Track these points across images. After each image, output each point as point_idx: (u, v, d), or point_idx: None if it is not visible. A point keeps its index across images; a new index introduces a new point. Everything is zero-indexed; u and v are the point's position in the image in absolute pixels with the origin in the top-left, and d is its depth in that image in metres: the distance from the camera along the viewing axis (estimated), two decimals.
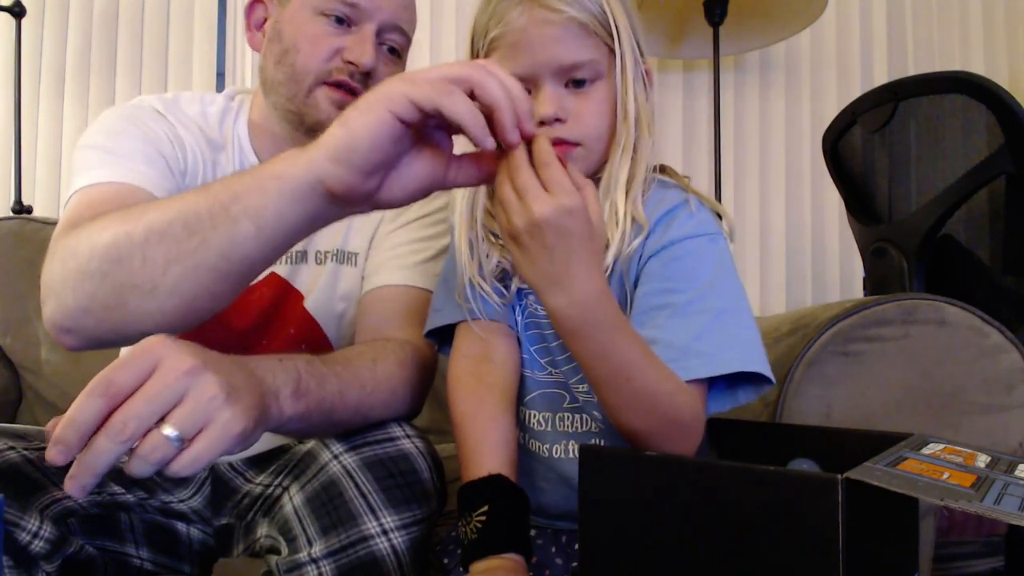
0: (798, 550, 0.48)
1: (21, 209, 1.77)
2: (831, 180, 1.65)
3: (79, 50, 2.01)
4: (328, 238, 0.96)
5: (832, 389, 0.93)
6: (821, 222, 2.15)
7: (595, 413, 0.78)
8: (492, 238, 0.77)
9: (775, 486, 0.50)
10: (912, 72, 2.12)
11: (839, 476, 0.47)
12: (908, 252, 1.37)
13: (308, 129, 0.89)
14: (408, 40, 0.94)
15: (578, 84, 0.72)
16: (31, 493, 0.75)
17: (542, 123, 0.70)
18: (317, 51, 0.87)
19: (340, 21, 0.87)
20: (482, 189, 0.77)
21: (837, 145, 1.59)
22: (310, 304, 0.96)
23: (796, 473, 0.51)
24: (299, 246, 0.95)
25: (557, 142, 0.69)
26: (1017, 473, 0.55)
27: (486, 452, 0.74)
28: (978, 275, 1.37)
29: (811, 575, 0.48)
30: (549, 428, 0.79)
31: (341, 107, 0.85)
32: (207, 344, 0.91)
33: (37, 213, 1.82)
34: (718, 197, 1.89)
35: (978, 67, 2.18)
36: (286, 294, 0.95)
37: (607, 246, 0.71)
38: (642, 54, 0.76)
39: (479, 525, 0.69)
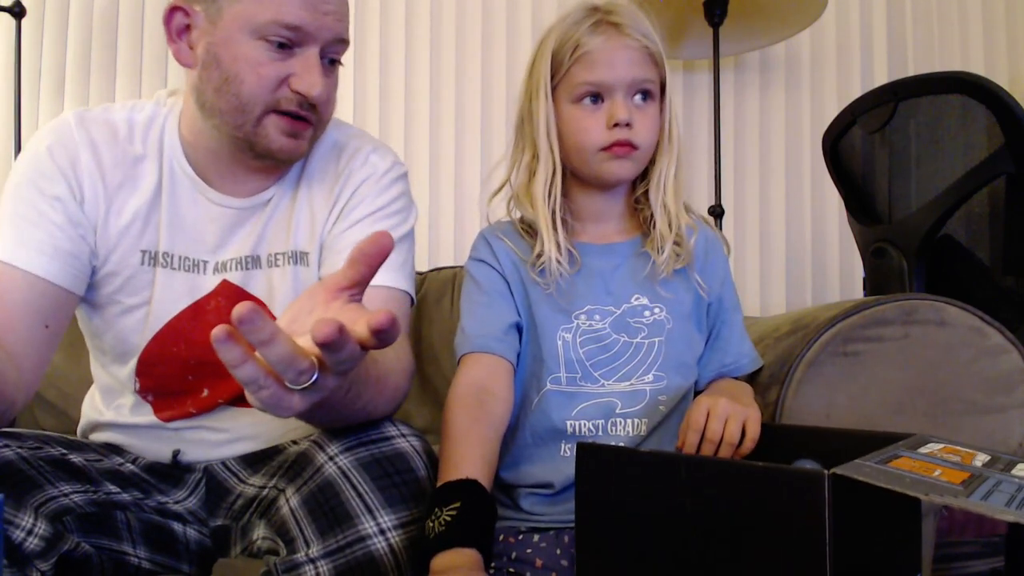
0: (788, 545, 0.49)
1: None
2: (831, 180, 1.65)
3: (79, 50, 2.00)
4: (279, 238, 0.93)
5: (832, 389, 0.92)
6: (821, 222, 2.15)
7: (643, 419, 0.88)
8: (564, 220, 0.92)
9: (765, 482, 0.50)
10: (912, 72, 2.12)
11: (826, 472, 0.47)
12: (908, 252, 1.37)
13: (258, 155, 0.87)
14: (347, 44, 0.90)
15: (643, 97, 0.89)
16: (26, 491, 0.75)
17: (616, 125, 0.86)
18: (263, 81, 0.83)
19: (282, 46, 0.83)
20: (557, 182, 0.91)
21: (837, 145, 1.59)
22: (277, 311, 0.92)
23: (785, 469, 0.51)
24: (248, 250, 0.93)
25: (624, 143, 0.87)
26: (1015, 472, 0.55)
27: (471, 463, 0.80)
28: (978, 275, 1.37)
29: (800, 570, 0.48)
30: (601, 433, 0.87)
31: (291, 135, 0.85)
32: (173, 357, 0.92)
33: None
34: (718, 197, 1.89)
35: (978, 67, 2.18)
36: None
37: (661, 249, 0.91)
38: None
39: (448, 519, 0.73)
